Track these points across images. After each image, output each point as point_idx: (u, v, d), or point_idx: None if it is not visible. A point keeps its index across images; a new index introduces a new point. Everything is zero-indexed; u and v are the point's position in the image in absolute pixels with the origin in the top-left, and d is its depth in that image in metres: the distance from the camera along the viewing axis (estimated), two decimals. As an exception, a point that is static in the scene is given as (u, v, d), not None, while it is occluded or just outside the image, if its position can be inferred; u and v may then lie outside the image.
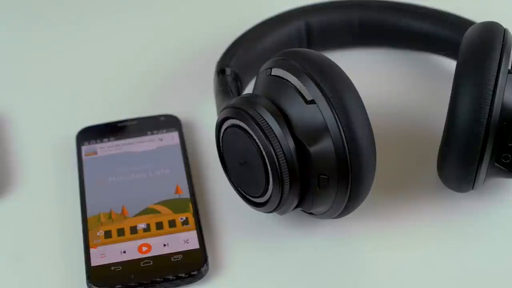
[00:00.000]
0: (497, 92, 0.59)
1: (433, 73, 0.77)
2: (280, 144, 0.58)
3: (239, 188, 0.63)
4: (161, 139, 0.71)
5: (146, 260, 0.62)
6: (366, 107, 0.59)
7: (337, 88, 0.58)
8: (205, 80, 0.74)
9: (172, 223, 0.65)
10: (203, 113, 0.74)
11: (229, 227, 0.66)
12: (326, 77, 0.58)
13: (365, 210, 0.63)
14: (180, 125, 0.72)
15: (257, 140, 0.59)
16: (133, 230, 0.64)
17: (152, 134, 0.72)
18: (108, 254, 0.63)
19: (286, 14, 0.76)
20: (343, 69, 0.60)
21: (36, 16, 0.87)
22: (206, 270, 0.62)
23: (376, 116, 0.62)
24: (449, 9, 0.75)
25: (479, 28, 0.63)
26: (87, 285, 0.61)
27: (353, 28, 0.77)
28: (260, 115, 0.59)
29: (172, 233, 0.64)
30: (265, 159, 0.59)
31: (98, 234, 0.64)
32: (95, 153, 0.70)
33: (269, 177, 0.59)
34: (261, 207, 0.62)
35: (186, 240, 0.63)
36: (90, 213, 0.66)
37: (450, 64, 0.75)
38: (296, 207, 0.61)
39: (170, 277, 0.61)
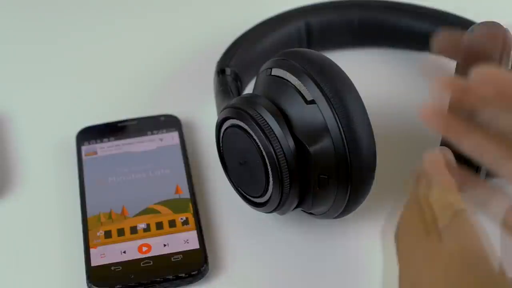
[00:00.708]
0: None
1: (433, 73, 0.77)
2: (280, 144, 0.58)
3: (239, 188, 0.63)
4: (161, 139, 0.71)
5: (146, 260, 0.62)
6: (366, 107, 0.59)
7: (337, 88, 0.58)
8: (205, 80, 0.74)
9: (172, 223, 0.65)
10: (203, 113, 0.74)
11: (229, 227, 0.66)
12: (326, 77, 0.58)
13: (365, 210, 0.63)
14: (180, 125, 0.72)
15: (257, 140, 0.59)
16: (133, 230, 0.64)
17: (152, 134, 0.72)
18: (108, 254, 0.63)
19: (286, 14, 0.76)
20: (343, 69, 0.60)
21: (36, 16, 0.87)
22: (206, 270, 0.62)
23: (376, 116, 0.62)
24: (449, 9, 0.75)
25: (479, 28, 0.63)
26: (87, 285, 0.61)
27: (353, 28, 0.77)
28: (260, 115, 0.59)
29: (172, 233, 0.64)
30: (265, 159, 0.59)
31: (98, 234, 0.64)
32: (95, 153, 0.70)
33: (269, 177, 0.59)
34: (261, 207, 0.62)
35: (186, 240, 0.63)
36: (90, 213, 0.66)
37: (449, 64, 0.75)
38: (296, 207, 0.61)
39: (170, 277, 0.61)
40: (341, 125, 0.57)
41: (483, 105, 0.49)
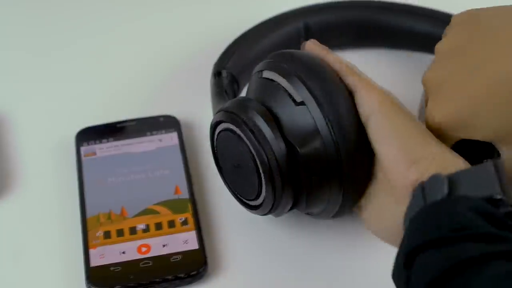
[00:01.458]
0: None
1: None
2: (272, 148, 0.58)
3: (234, 191, 0.63)
4: (160, 140, 0.71)
5: (146, 261, 0.62)
6: None
7: (326, 89, 0.58)
8: (204, 81, 0.74)
9: (171, 224, 0.65)
10: (202, 114, 0.74)
11: (228, 227, 0.66)
12: (314, 78, 0.58)
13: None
14: (179, 125, 0.72)
15: (248, 144, 0.59)
16: (133, 230, 0.64)
17: (151, 134, 0.72)
18: (108, 254, 0.63)
19: (284, 16, 0.76)
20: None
21: (36, 17, 0.86)
22: (206, 270, 0.62)
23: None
24: (448, 9, 0.75)
25: None
26: (86, 285, 0.61)
27: (351, 28, 0.77)
28: (251, 119, 0.59)
29: (171, 234, 0.64)
30: (257, 163, 0.59)
31: (97, 234, 0.64)
32: (94, 153, 0.70)
33: (261, 181, 0.59)
34: (255, 209, 0.62)
35: (186, 241, 0.63)
36: (89, 213, 0.66)
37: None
38: (291, 209, 0.61)
39: (170, 277, 0.61)
40: (331, 125, 0.57)
41: None
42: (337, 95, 0.58)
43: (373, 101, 0.58)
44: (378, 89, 0.59)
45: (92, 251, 0.63)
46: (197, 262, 0.62)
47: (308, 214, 0.63)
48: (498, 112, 0.57)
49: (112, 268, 0.62)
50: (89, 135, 0.72)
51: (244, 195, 0.62)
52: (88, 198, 0.67)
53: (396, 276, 0.51)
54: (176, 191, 0.67)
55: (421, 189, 0.53)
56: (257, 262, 0.64)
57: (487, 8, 0.62)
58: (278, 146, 0.58)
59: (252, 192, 0.60)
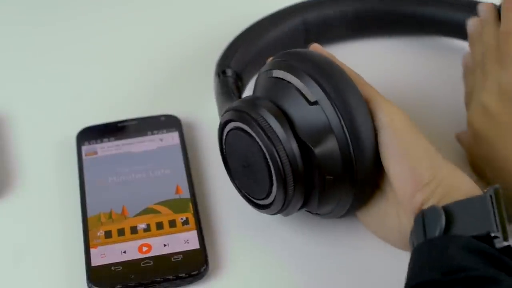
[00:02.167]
0: None
1: (434, 72, 0.77)
2: (284, 147, 0.58)
3: (243, 191, 0.63)
4: (161, 139, 0.71)
5: (147, 260, 0.62)
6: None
7: (340, 88, 0.58)
8: (205, 80, 0.74)
9: (172, 223, 0.65)
10: (203, 113, 0.74)
11: (229, 227, 0.66)
12: (328, 77, 0.58)
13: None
14: (180, 125, 0.72)
15: (260, 143, 0.58)
16: (133, 230, 0.64)
17: (152, 134, 0.72)
18: (108, 254, 0.63)
19: (285, 11, 0.76)
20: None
21: (37, 17, 0.86)
22: (206, 270, 0.62)
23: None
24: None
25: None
26: (87, 285, 0.61)
27: (350, 20, 0.77)
28: (263, 118, 0.58)
29: (172, 233, 0.64)
30: (268, 162, 0.58)
31: (98, 234, 0.64)
32: (96, 153, 0.70)
33: (272, 180, 0.59)
34: (265, 209, 0.62)
35: (186, 240, 0.63)
36: (90, 213, 0.66)
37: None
38: (301, 208, 0.61)
39: (170, 277, 0.61)
40: (345, 125, 0.57)
41: None
42: (350, 94, 0.58)
43: (384, 115, 0.58)
44: (390, 104, 0.59)
45: (93, 251, 0.63)
46: (198, 262, 0.62)
47: (316, 214, 0.63)
48: None
49: (113, 268, 0.62)
50: (90, 134, 0.72)
51: (254, 194, 0.62)
52: (89, 197, 0.67)
53: None
54: (177, 191, 0.67)
55: (422, 219, 0.55)
56: (258, 262, 0.64)
57: None
58: (290, 145, 0.58)
59: (262, 192, 0.60)
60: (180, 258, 0.62)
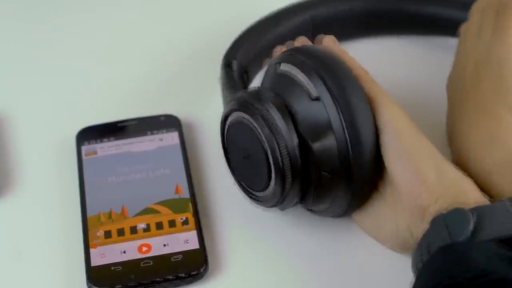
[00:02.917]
0: None
1: (435, 72, 0.77)
2: (285, 140, 0.58)
3: (241, 182, 0.63)
4: (161, 139, 0.71)
5: (146, 260, 0.62)
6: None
7: (343, 86, 0.58)
8: (205, 80, 0.74)
9: (172, 223, 0.65)
10: (203, 113, 0.74)
11: (229, 227, 0.66)
12: (333, 74, 0.58)
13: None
14: (180, 125, 0.72)
15: (261, 134, 0.59)
16: (133, 230, 0.64)
17: (152, 134, 0.72)
18: (108, 254, 0.63)
19: (293, 7, 0.76)
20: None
21: (37, 17, 0.86)
22: (206, 270, 0.62)
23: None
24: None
25: None
26: (87, 285, 0.61)
27: (359, 18, 0.77)
28: (266, 110, 0.59)
29: (172, 233, 0.64)
30: (268, 154, 0.59)
31: (98, 234, 0.64)
32: (95, 153, 0.70)
33: (271, 172, 0.59)
34: (262, 201, 0.62)
35: (186, 240, 0.63)
36: (90, 213, 0.66)
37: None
38: (297, 203, 0.61)
39: (170, 277, 0.61)
40: (345, 122, 0.57)
41: None
42: (353, 92, 0.58)
43: (387, 115, 0.58)
44: (392, 104, 0.59)
45: (92, 251, 0.63)
46: (198, 262, 0.62)
47: (311, 211, 0.63)
48: None
49: (112, 268, 0.62)
50: (90, 134, 0.72)
51: (252, 186, 0.62)
52: (89, 197, 0.67)
53: None
54: (177, 191, 0.67)
55: (443, 221, 0.54)
56: (258, 262, 0.63)
57: None
58: (291, 138, 0.58)
59: (260, 184, 0.60)
60: (179, 258, 0.62)
